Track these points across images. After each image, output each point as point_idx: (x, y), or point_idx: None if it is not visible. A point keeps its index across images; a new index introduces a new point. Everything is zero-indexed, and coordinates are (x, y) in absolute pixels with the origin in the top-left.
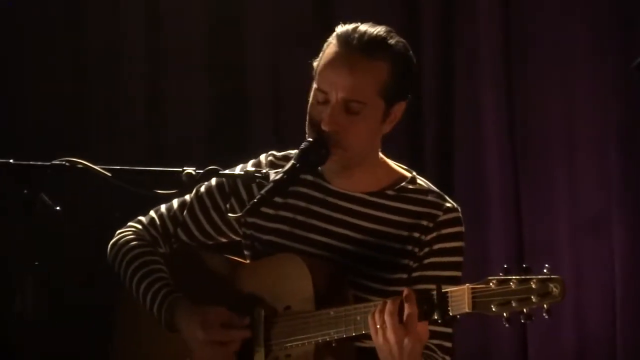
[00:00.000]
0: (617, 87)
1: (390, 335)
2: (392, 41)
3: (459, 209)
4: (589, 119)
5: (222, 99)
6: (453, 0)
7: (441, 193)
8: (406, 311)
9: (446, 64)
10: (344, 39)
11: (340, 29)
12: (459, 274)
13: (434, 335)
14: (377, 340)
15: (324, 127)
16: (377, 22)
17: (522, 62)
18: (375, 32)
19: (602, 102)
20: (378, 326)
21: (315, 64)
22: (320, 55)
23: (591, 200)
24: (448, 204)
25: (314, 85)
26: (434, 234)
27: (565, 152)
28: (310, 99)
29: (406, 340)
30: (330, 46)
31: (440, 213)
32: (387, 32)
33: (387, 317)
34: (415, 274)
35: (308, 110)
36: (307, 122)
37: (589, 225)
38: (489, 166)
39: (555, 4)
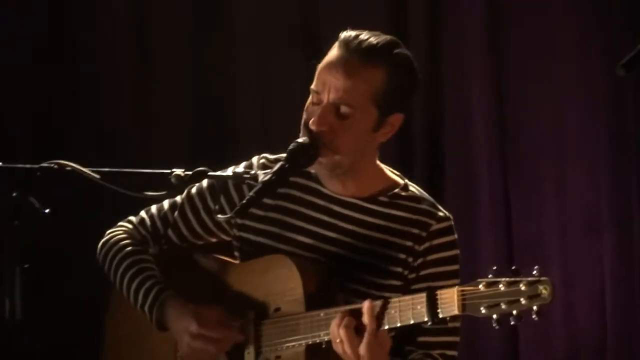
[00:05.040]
0: (608, 94)
1: (347, 348)
2: (394, 50)
3: (451, 218)
4: (578, 119)
5: (208, 101)
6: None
7: (434, 202)
8: (365, 324)
9: (435, 66)
10: (344, 42)
11: (345, 33)
12: (457, 281)
13: (436, 345)
14: (337, 350)
15: (312, 126)
16: (361, 23)
17: (511, 64)
18: (376, 40)
19: (591, 102)
20: (338, 341)
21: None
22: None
23: (581, 200)
24: (441, 213)
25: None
26: (427, 244)
27: (554, 152)
28: (308, 100)
29: (362, 350)
30: (332, 49)
31: (433, 222)
32: (391, 41)
33: (342, 331)
34: (414, 287)
35: (304, 110)
36: (302, 122)
37: (578, 226)
38: (479, 166)
39: (541, 5)
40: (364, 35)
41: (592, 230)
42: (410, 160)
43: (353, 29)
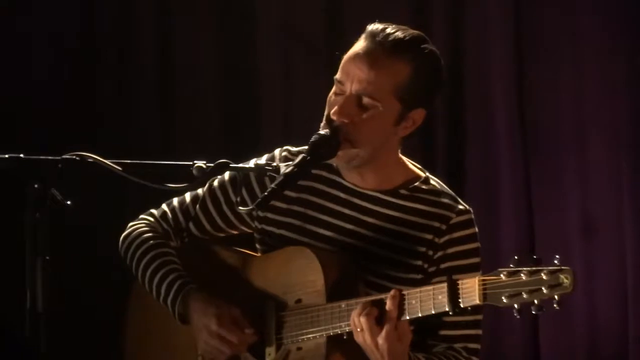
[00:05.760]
0: (628, 82)
1: (367, 336)
2: (420, 45)
3: (471, 211)
4: (600, 113)
5: (233, 100)
6: None
7: (454, 195)
8: (387, 310)
9: (456, 59)
10: (371, 34)
11: (373, 25)
12: (478, 274)
13: (458, 339)
14: (358, 340)
15: (333, 116)
16: (384, 20)
17: (533, 56)
18: (404, 34)
19: (613, 96)
20: (359, 330)
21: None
22: None
23: (602, 194)
24: (461, 206)
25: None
26: (447, 237)
27: (576, 146)
28: (332, 90)
29: (381, 340)
30: (359, 40)
31: (453, 215)
32: (419, 36)
33: (363, 319)
34: (434, 280)
35: (327, 100)
36: (325, 113)
37: (599, 219)
38: (500, 160)
39: None
40: (391, 29)
41: (613, 222)
42: (431, 151)
43: (381, 22)
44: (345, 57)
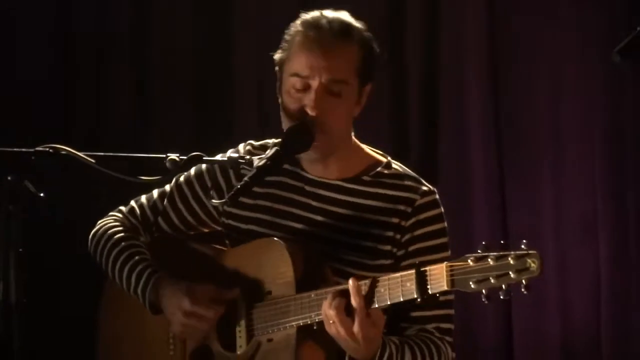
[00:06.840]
0: (604, 81)
1: (339, 328)
2: (357, 25)
3: (436, 191)
4: (575, 112)
5: (208, 96)
6: None
7: (417, 177)
8: (353, 304)
9: (431, 54)
10: (313, 25)
11: (305, 17)
12: (447, 254)
13: (430, 319)
14: (330, 331)
15: (312, 113)
16: (361, 17)
17: (508, 53)
18: (342, 17)
19: (589, 94)
20: (330, 322)
21: (277, 56)
22: (285, 45)
23: (576, 191)
24: (424, 187)
25: (287, 74)
26: (413, 220)
27: (551, 143)
28: (285, 88)
29: (356, 329)
30: (299, 34)
31: (417, 197)
32: (349, 17)
33: (332, 312)
34: (404, 263)
35: (283, 101)
36: (283, 113)
37: (573, 219)
38: (474, 157)
39: None
40: (328, 14)
41: (587, 218)
42: (405, 148)
43: (307, 10)
44: (297, 52)
